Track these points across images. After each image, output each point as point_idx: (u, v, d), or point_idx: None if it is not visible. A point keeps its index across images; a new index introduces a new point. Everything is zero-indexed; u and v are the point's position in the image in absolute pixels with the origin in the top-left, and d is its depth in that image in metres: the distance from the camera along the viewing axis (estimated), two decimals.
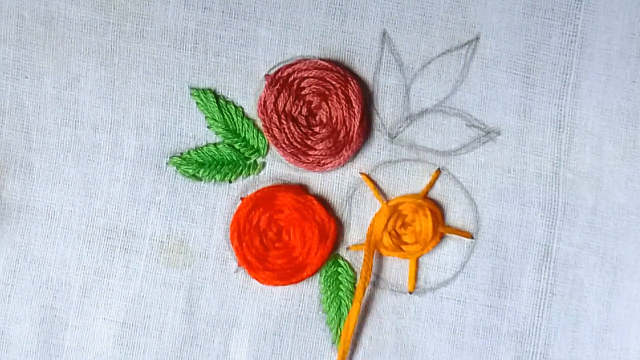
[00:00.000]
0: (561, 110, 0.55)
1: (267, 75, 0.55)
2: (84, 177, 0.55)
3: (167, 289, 0.55)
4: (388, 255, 0.55)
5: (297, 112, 0.55)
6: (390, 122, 0.55)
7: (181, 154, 0.55)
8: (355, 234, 0.55)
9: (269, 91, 0.54)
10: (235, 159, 0.55)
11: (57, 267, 0.55)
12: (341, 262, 0.55)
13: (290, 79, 0.54)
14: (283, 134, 0.54)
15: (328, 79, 0.54)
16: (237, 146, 0.55)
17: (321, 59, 0.55)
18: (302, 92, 0.55)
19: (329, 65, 0.54)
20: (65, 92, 0.55)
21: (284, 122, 0.54)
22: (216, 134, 0.55)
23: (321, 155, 0.54)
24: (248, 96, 0.55)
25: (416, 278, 0.55)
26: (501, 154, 0.55)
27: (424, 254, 0.55)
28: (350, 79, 0.54)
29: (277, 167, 0.55)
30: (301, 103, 0.55)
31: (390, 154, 0.55)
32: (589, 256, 0.55)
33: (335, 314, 0.55)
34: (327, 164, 0.55)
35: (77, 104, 0.55)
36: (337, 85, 0.54)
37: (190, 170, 0.55)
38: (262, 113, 0.55)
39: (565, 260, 0.55)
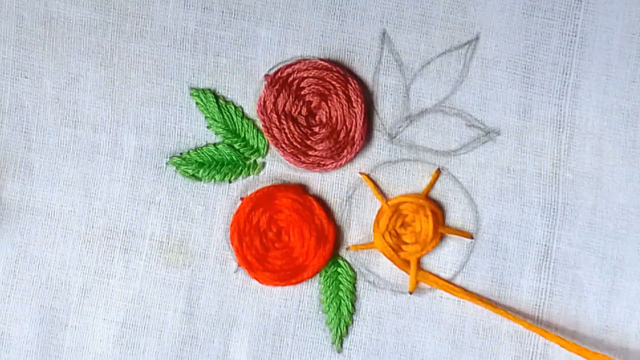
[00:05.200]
0: (561, 110, 0.55)
1: (266, 76, 0.55)
2: (84, 177, 0.55)
3: (166, 289, 0.55)
4: (385, 256, 0.55)
5: (296, 112, 0.55)
6: (390, 122, 0.55)
7: (181, 154, 0.55)
8: (355, 234, 0.55)
9: (268, 91, 0.54)
10: (235, 159, 0.55)
11: (56, 267, 0.55)
12: (341, 262, 0.55)
13: (290, 79, 0.54)
14: (283, 134, 0.54)
15: (328, 79, 0.54)
16: (236, 146, 0.55)
17: (321, 59, 0.55)
18: (302, 92, 0.55)
19: (329, 65, 0.54)
20: (64, 92, 0.55)
21: (284, 122, 0.54)
22: (216, 134, 0.55)
23: (321, 155, 0.54)
24: (248, 96, 0.55)
25: (417, 278, 0.55)
26: (501, 154, 0.55)
27: (423, 255, 0.55)
28: (350, 79, 0.54)
29: (277, 167, 0.55)
30: (301, 103, 0.55)
31: (390, 154, 0.55)
32: (589, 256, 0.55)
33: (335, 314, 0.55)
34: (327, 164, 0.55)
35: (77, 104, 0.55)
36: (337, 85, 0.54)
37: (190, 170, 0.55)
38: (262, 113, 0.55)
39: (565, 260, 0.55)
